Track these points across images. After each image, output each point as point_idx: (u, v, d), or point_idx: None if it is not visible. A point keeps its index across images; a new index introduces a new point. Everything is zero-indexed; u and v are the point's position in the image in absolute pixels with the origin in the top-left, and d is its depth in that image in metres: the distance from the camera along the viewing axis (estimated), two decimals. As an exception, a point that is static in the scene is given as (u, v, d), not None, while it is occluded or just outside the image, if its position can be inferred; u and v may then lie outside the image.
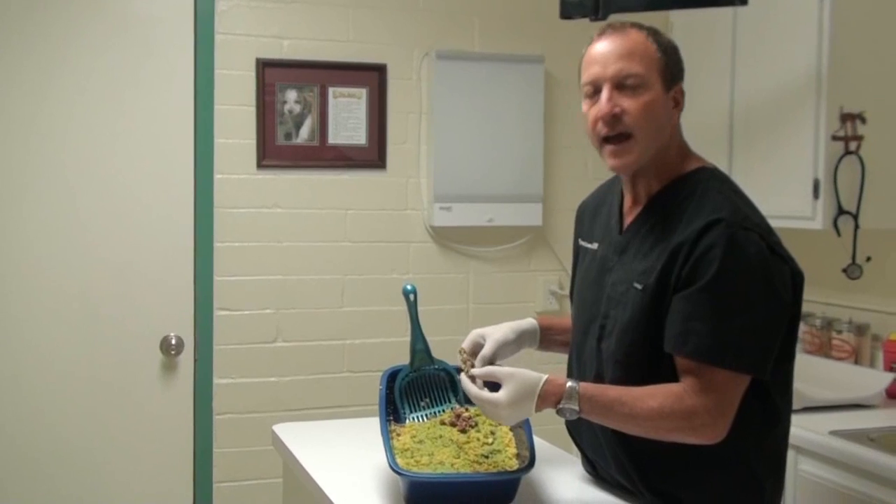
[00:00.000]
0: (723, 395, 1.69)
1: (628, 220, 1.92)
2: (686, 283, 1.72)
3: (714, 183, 1.83)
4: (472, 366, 1.85)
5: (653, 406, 1.68)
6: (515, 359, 2.07)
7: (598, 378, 1.88)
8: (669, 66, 1.83)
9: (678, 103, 1.86)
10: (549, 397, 1.71)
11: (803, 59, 3.00)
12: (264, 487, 3.37)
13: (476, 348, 2.01)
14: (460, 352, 1.91)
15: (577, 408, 1.70)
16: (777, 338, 1.74)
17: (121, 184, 3.26)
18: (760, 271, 1.70)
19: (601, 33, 1.86)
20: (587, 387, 1.73)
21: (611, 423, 1.74)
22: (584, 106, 1.86)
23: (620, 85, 1.80)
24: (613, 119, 1.80)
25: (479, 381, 1.78)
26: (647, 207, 1.88)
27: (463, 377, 1.80)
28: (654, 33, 1.85)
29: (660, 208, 1.85)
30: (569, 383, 1.72)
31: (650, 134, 1.81)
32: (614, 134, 1.81)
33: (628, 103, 1.80)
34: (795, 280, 1.79)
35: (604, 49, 1.83)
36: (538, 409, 1.72)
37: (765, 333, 1.71)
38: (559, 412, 1.72)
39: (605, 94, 1.81)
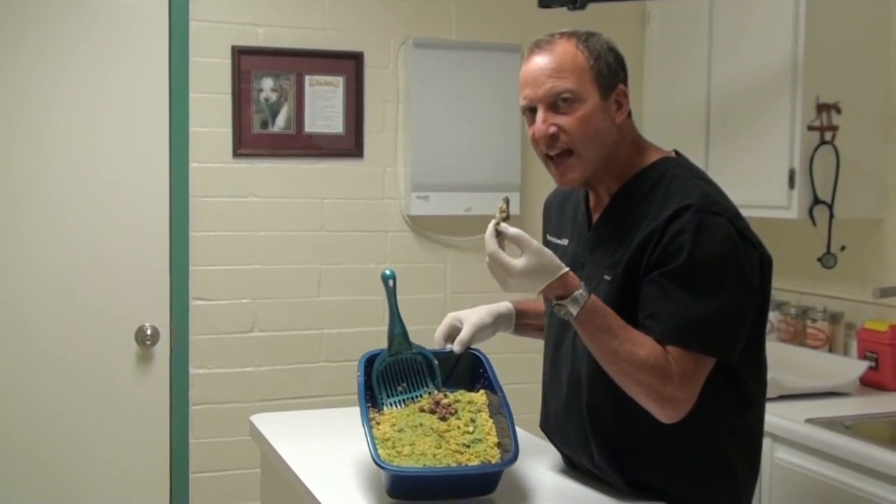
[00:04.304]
0: (689, 377, 1.68)
1: (596, 215, 1.91)
2: (655, 268, 1.72)
3: (679, 171, 1.83)
4: (506, 219, 1.78)
5: (639, 354, 1.68)
6: (490, 342, 2.08)
7: (574, 375, 1.88)
8: (604, 73, 1.81)
9: (622, 105, 1.84)
10: (556, 288, 1.70)
11: (779, 50, 3.01)
12: (241, 478, 3.36)
13: (453, 332, 2.02)
14: (505, 200, 1.81)
15: (574, 314, 1.69)
16: (746, 322, 1.75)
17: (95, 173, 3.23)
18: (729, 256, 1.71)
19: (531, 51, 1.85)
20: (596, 301, 1.71)
21: (592, 345, 1.73)
22: (527, 125, 1.86)
23: (554, 104, 1.80)
24: (551, 139, 1.80)
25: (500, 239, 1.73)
26: (613, 202, 1.87)
27: (490, 227, 1.75)
28: (585, 40, 1.82)
29: (627, 202, 1.84)
30: (581, 290, 1.70)
31: (591, 146, 1.81)
32: (556, 153, 1.81)
33: (564, 120, 1.79)
34: (764, 265, 1.79)
35: (534, 68, 1.82)
36: (542, 293, 1.72)
37: (733, 317, 1.72)
38: (556, 307, 1.71)
39: (539, 114, 1.81)
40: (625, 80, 1.86)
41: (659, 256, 1.72)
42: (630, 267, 1.76)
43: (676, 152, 1.91)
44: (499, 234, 1.74)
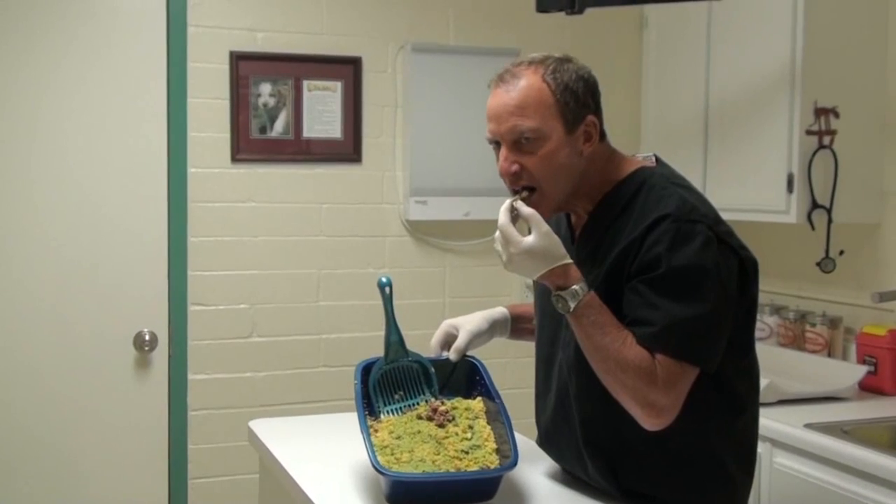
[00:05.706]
0: (674, 384, 1.68)
1: (578, 230, 1.90)
2: (635, 278, 1.72)
3: (656, 179, 1.81)
4: (526, 200, 1.78)
5: (627, 355, 1.67)
6: (487, 348, 2.08)
7: (563, 388, 1.88)
8: (571, 106, 1.77)
9: (591, 137, 1.81)
10: (557, 277, 1.71)
11: (777, 54, 3.01)
12: (240, 484, 3.36)
13: (449, 339, 2.02)
14: (522, 189, 1.81)
15: (571, 307, 1.69)
16: (724, 329, 1.73)
17: (93, 179, 3.23)
18: (706, 264, 1.69)
19: (496, 83, 1.82)
20: (594, 297, 1.71)
21: (583, 340, 1.72)
22: (495, 157, 1.85)
23: (517, 142, 1.78)
24: (514, 176, 1.79)
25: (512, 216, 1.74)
26: (592, 219, 1.86)
27: (507, 202, 1.75)
28: (553, 71, 1.78)
29: (606, 216, 1.83)
30: (580, 284, 1.70)
31: (556, 183, 1.79)
32: (520, 188, 1.80)
33: (526, 159, 1.77)
34: (747, 269, 1.78)
35: (497, 103, 1.79)
36: (541, 279, 1.72)
37: (712, 326, 1.70)
38: (554, 297, 1.71)
39: (502, 152, 1.80)
40: (596, 110, 1.82)
41: (638, 267, 1.71)
42: (611, 279, 1.75)
43: (656, 157, 1.90)
44: (513, 212, 1.75)
